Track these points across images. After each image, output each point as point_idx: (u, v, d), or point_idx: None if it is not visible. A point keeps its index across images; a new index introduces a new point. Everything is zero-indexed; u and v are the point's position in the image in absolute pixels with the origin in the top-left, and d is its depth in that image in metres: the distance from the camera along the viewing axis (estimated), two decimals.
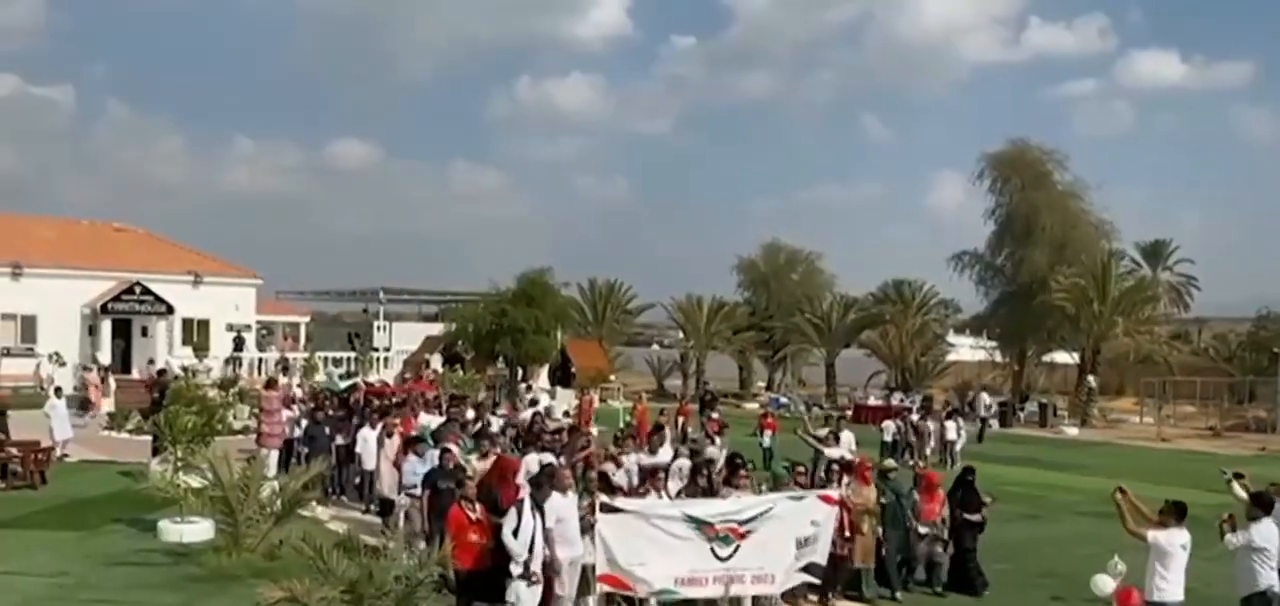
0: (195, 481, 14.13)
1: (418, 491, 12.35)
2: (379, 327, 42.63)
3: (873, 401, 39.90)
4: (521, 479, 11.67)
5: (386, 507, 14.67)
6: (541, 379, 39.03)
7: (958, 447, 25.27)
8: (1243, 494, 11.53)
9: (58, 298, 36.27)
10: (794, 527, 10.78)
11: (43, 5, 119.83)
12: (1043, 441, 33.59)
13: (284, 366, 35.78)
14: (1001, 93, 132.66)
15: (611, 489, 11.73)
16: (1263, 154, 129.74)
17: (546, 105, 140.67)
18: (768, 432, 23.21)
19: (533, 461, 12.50)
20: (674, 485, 12.56)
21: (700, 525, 10.26)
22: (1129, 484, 11.83)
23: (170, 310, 37.91)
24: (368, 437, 16.06)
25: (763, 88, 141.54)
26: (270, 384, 20.63)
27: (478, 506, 10.15)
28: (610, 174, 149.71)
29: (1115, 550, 11.19)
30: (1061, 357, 48.18)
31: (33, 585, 11.91)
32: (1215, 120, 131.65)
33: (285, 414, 19.40)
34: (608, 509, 10.14)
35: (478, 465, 12.32)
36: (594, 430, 21.28)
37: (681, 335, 55.36)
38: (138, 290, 37.26)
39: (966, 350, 53.46)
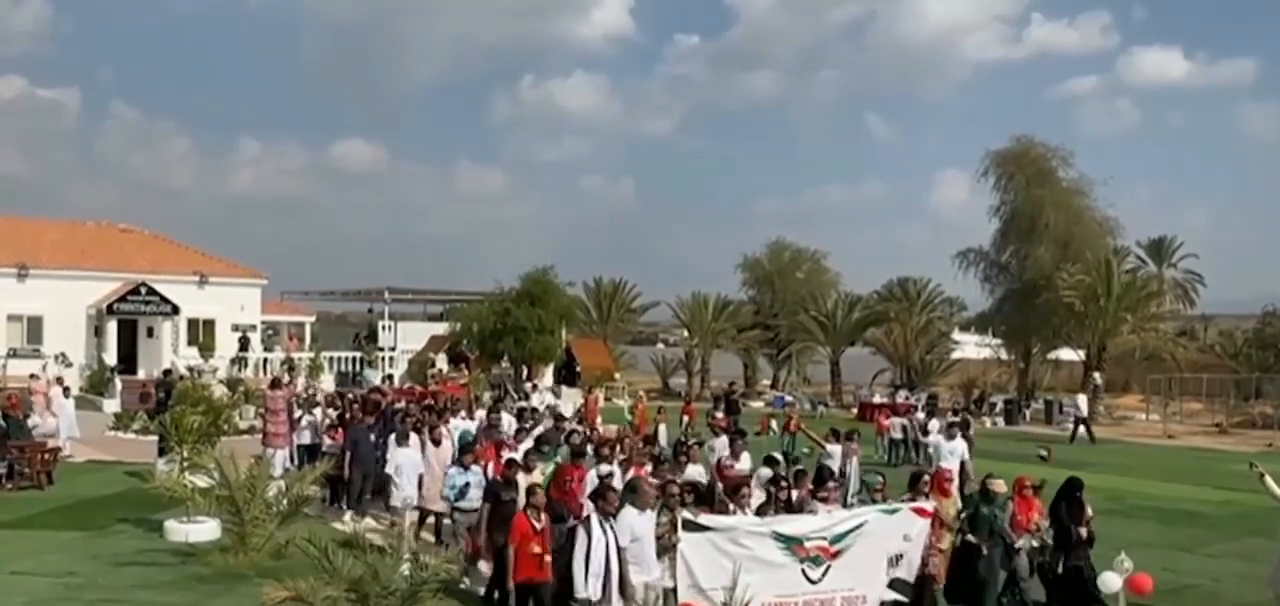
0: (201, 481, 14.18)
1: (468, 505, 12.00)
2: (384, 327, 42.65)
3: (878, 399, 39.85)
4: (584, 493, 11.11)
5: (424, 516, 14.08)
6: (546, 378, 39.07)
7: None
8: (1276, 488, 11.08)
9: (64, 299, 36.37)
10: (886, 544, 10.01)
11: (49, 9, 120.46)
12: (1048, 438, 33.52)
13: (289, 366, 35.85)
14: (1005, 90, 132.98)
15: (701, 500, 10.73)
16: (1268, 151, 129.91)
17: (550, 106, 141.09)
18: (787, 437, 22.66)
19: (596, 474, 11.73)
20: (756, 498, 11.36)
21: (790, 544, 9.41)
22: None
23: (176, 311, 37.98)
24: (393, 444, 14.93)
25: (767, 87, 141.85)
26: (274, 384, 20.57)
27: (543, 516, 9.63)
28: (614, 174, 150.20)
29: (1122, 547, 11.17)
30: (1067, 355, 48.10)
31: (40, 585, 11.95)
32: (1219, 117, 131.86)
33: (307, 418, 18.73)
34: (691, 526, 9.19)
35: (523, 479, 11.46)
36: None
37: (686, 333, 55.35)
38: (143, 291, 37.32)
39: (971, 348, 53.33)
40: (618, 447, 13.86)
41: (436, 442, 14.52)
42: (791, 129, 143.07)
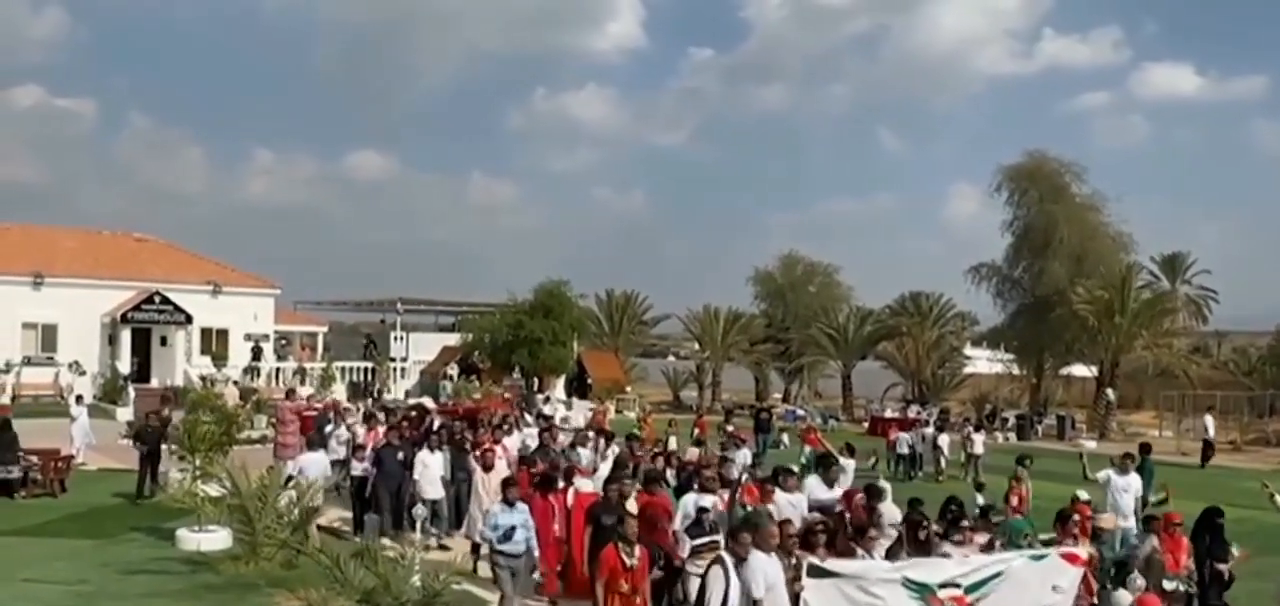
0: (213, 490, 14.23)
1: (513, 548, 10.47)
2: (396, 338, 42.70)
3: (889, 413, 39.72)
4: (678, 526, 10.23)
5: (477, 548, 12.64)
6: (557, 390, 39.08)
7: (981, 461, 24.87)
8: None
9: (78, 307, 36.61)
10: (1031, 595, 8.94)
11: (66, 18, 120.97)
12: (1060, 454, 33.32)
13: (302, 376, 35.95)
14: (1016, 105, 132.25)
15: (834, 540, 9.64)
16: None
17: (563, 117, 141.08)
18: (809, 449, 22.49)
19: (691, 504, 10.61)
20: (885, 539, 10.23)
21: (923, 593, 8.53)
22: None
23: (189, 320, 38.13)
24: (428, 462, 14.55)
25: (779, 100, 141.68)
26: (289, 395, 20.58)
27: (637, 551, 8.86)
28: (626, 186, 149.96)
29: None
30: (1079, 370, 47.87)
31: (52, 593, 12.00)
32: (1232, 133, 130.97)
33: (339, 433, 17.90)
34: (816, 572, 8.33)
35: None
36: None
37: (697, 346, 55.27)
38: (157, 300, 37.49)
39: (984, 363, 53.17)
40: (705, 471, 12.23)
41: (487, 467, 13.35)
42: (803, 141, 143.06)
